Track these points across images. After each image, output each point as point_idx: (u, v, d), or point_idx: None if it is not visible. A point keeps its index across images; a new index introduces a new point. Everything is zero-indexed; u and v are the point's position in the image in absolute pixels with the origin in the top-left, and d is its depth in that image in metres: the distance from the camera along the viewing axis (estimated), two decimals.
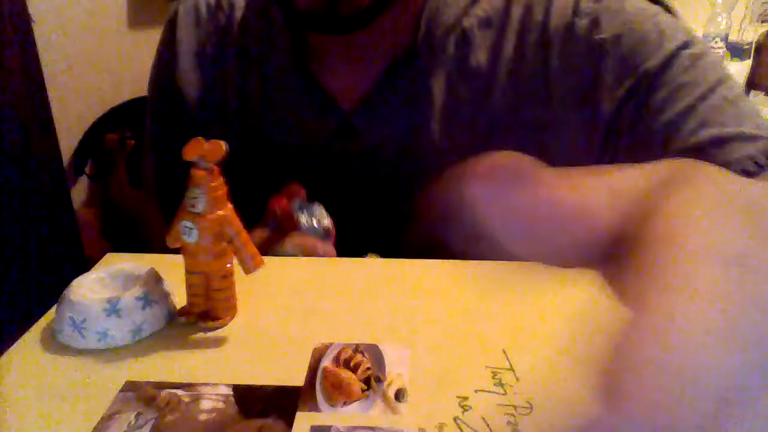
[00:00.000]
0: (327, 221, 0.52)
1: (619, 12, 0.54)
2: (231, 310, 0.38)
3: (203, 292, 0.38)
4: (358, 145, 0.56)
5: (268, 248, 0.48)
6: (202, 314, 0.38)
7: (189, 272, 0.38)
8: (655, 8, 0.55)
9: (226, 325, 0.38)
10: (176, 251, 0.38)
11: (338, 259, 0.45)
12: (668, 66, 0.51)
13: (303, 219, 0.51)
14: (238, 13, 0.61)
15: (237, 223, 0.36)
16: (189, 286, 0.38)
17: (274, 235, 0.50)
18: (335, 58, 0.57)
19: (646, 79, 0.51)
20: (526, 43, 0.54)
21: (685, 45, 0.52)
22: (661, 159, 0.22)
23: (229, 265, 0.38)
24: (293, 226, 0.50)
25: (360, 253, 0.51)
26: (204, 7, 0.62)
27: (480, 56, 0.55)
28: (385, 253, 0.50)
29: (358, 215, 0.56)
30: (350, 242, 0.52)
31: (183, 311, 0.38)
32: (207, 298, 0.38)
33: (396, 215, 0.55)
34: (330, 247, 0.50)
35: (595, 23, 0.53)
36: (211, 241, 0.36)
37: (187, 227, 0.36)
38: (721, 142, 0.49)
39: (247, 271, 0.36)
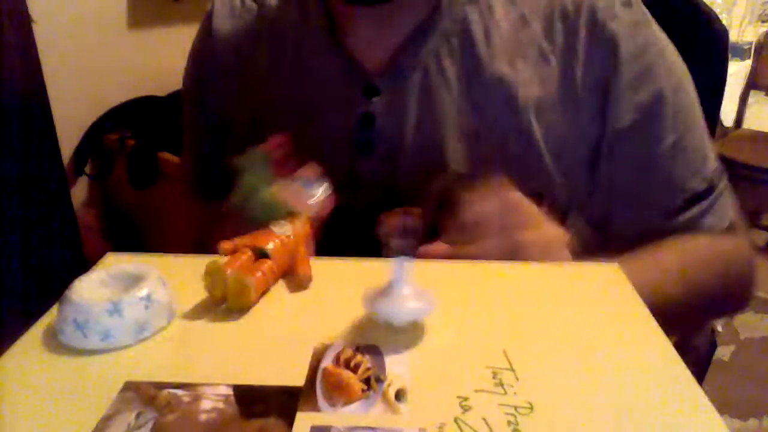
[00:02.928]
0: (325, 184, 0.51)
1: (642, 25, 0.58)
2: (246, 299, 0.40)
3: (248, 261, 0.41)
4: (382, 105, 0.58)
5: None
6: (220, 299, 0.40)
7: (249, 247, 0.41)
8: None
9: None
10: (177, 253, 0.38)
11: (338, 259, 0.45)
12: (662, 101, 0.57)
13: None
14: (270, 1, 0.66)
15: (310, 245, 0.43)
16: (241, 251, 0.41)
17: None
18: (362, 27, 0.60)
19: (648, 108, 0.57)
20: (555, 28, 0.57)
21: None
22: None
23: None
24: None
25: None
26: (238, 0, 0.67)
27: (503, 25, 0.58)
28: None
29: (377, 196, 0.58)
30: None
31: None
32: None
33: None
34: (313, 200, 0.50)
35: (618, 26, 0.57)
36: (284, 255, 0.42)
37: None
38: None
39: (300, 281, 0.42)
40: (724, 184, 0.61)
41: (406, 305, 0.36)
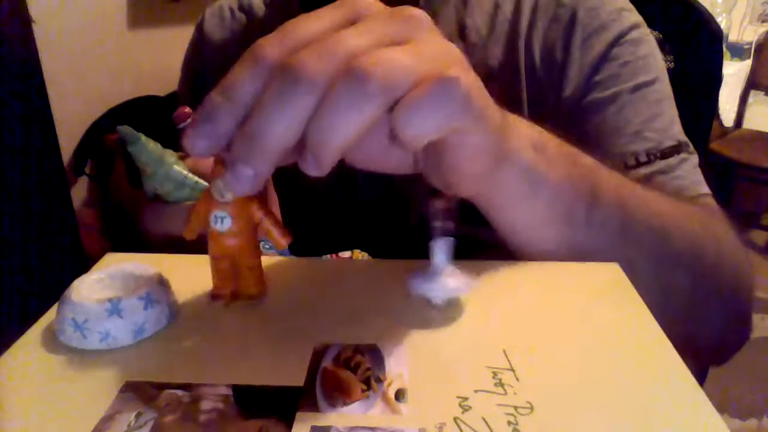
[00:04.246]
0: None
1: None
2: (262, 284, 0.39)
3: (231, 274, 0.39)
4: None
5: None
6: (234, 294, 0.39)
7: (217, 258, 0.38)
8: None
9: (260, 298, 0.39)
10: (177, 250, 0.38)
11: (338, 259, 0.45)
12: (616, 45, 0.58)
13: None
14: (257, 10, 0.68)
15: (264, 204, 0.38)
16: (217, 271, 0.39)
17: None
18: None
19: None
20: (522, 6, 0.60)
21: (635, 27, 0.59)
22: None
23: (258, 240, 0.39)
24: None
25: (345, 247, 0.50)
26: (227, 10, 0.69)
27: (478, 18, 0.60)
28: (375, 252, 0.50)
29: (356, 199, 0.58)
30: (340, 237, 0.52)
31: (216, 295, 0.39)
32: (236, 278, 0.39)
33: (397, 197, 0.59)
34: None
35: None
36: (243, 225, 0.37)
37: (219, 217, 0.37)
38: (617, 133, 0.57)
39: (280, 247, 0.38)
40: (695, 158, 0.59)
41: (449, 284, 0.37)
